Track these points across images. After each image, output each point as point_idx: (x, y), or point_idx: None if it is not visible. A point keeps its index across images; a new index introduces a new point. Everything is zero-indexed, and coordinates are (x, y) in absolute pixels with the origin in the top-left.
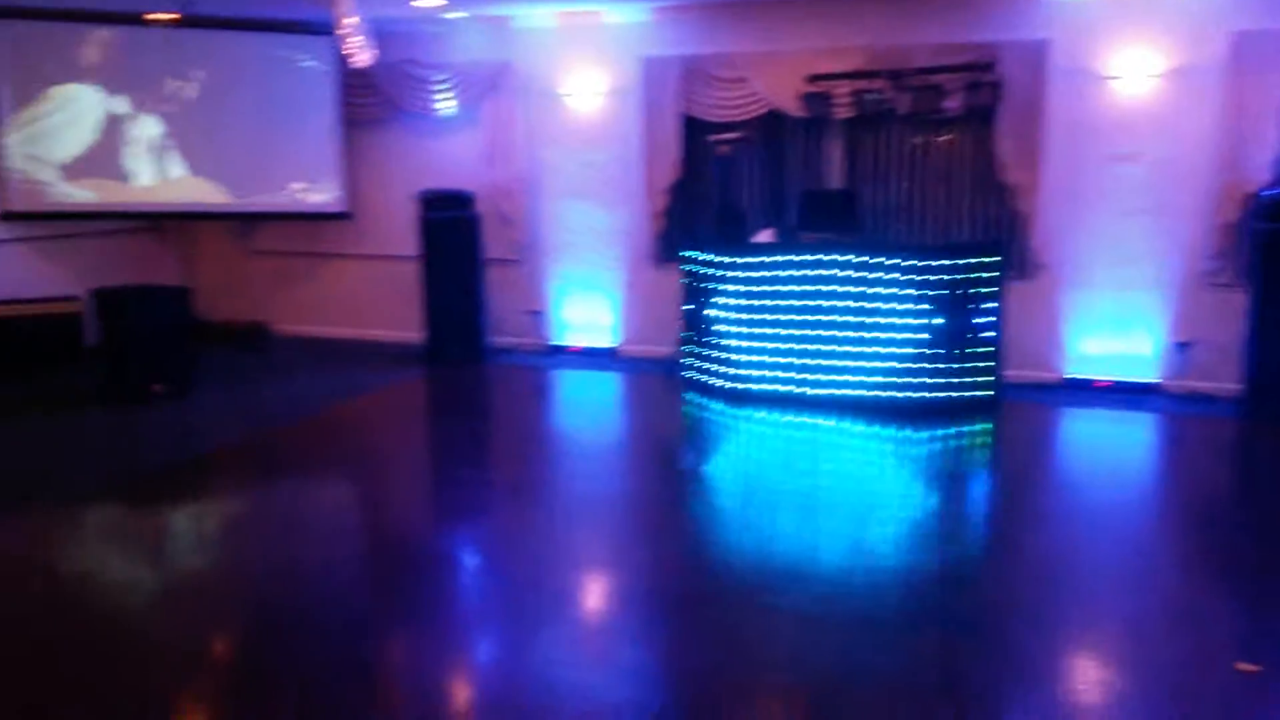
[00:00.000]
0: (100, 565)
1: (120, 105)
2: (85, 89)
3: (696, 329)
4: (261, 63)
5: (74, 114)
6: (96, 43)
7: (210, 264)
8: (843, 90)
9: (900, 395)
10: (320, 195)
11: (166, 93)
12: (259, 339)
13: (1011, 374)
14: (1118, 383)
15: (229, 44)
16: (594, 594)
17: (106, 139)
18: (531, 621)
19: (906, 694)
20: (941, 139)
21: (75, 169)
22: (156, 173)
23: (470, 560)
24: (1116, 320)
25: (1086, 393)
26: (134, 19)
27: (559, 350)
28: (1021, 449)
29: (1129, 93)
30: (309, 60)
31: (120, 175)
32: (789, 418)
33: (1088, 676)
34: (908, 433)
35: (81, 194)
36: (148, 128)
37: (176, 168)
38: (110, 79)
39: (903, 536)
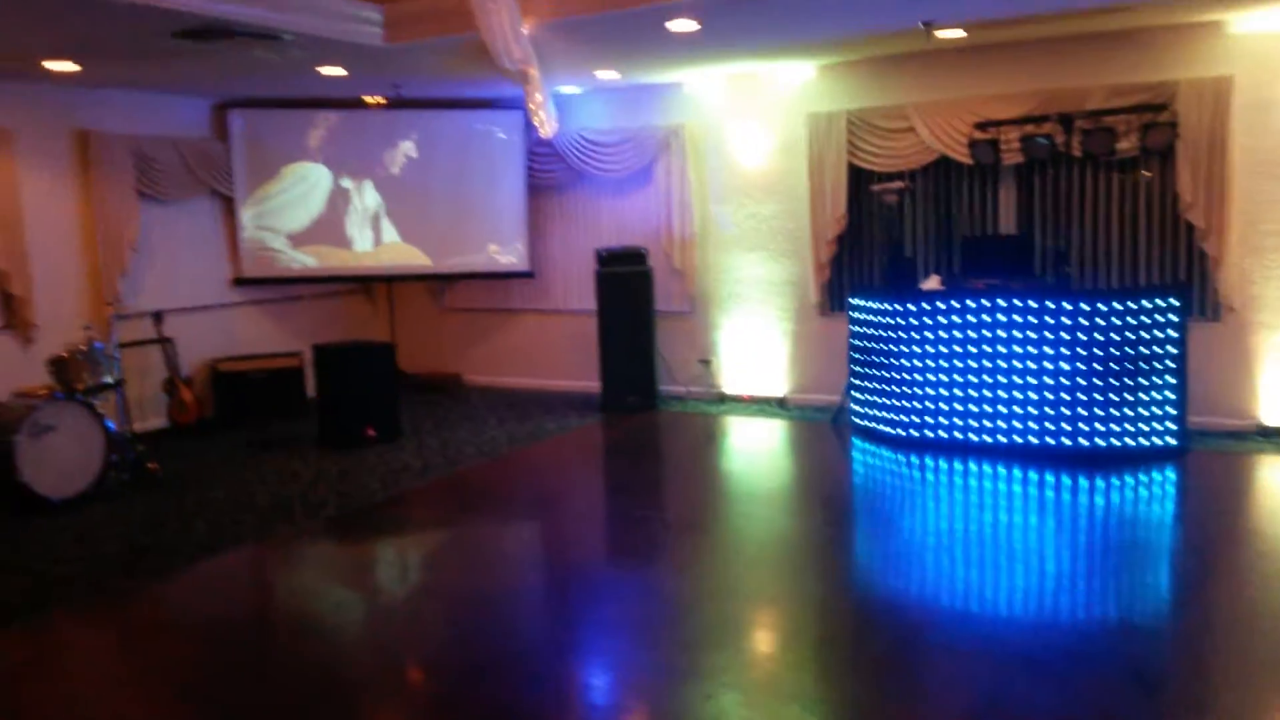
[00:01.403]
0: (319, 586)
1: (343, 180)
2: (313, 166)
3: (864, 377)
4: (459, 137)
5: (303, 190)
6: (321, 125)
7: (409, 321)
8: (1012, 135)
9: (1076, 442)
10: (507, 256)
11: (380, 167)
12: (453, 389)
13: (1200, 420)
14: None
15: (431, 121)
16: (758, 625)
17: (330, 210)
18: (697, 648)
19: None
20: (1138, 176)
21: (301, 238)
22: (372, 239)
23: (643, 590)
24: None
25: None
26: (354, 103)
27: (728, 398)
28: (1207, 497)
29: None
30: (500, 133)
31: (341, 243)
32: (959, 464)
33: None
34: (1083, 480)
35: (305, 260)
36: (365, 199)
37: (388, 234)
38: (332, 157)
39: (1072, 584)
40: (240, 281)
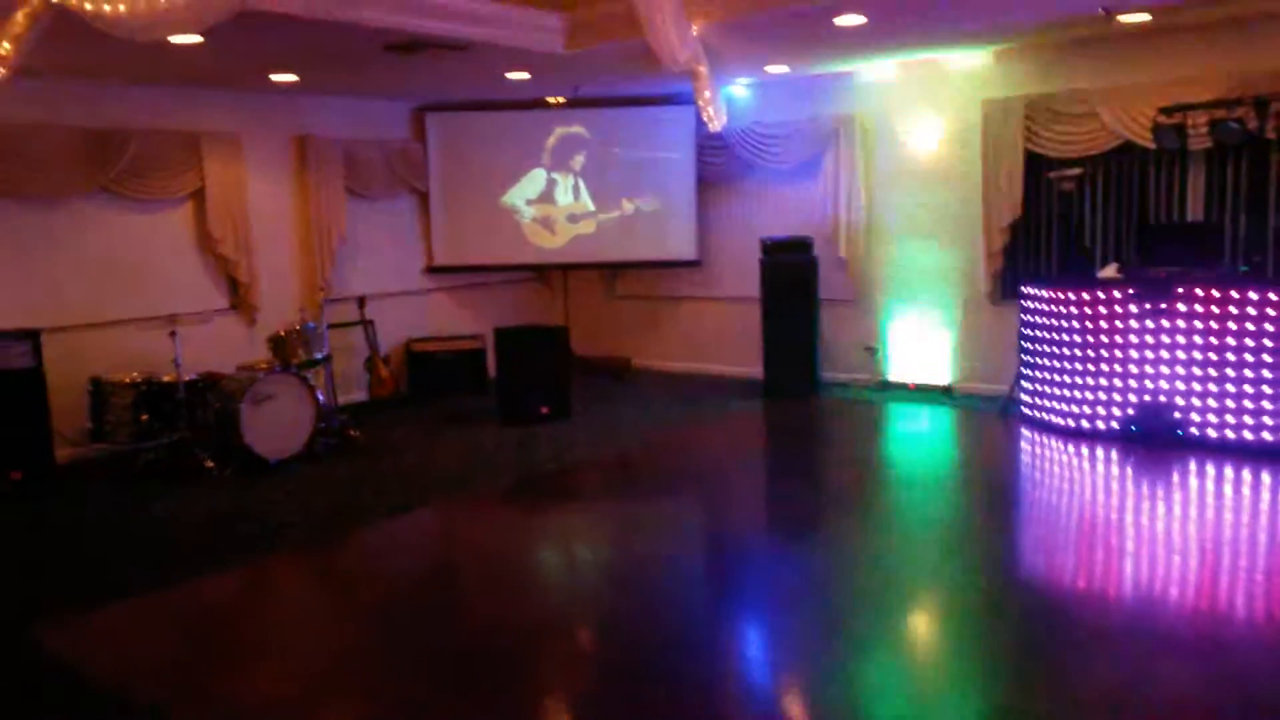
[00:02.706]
0: (498, 544)
1: (533, 174)
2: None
3: (1035, 366)
4: (634, 132)
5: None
6: (509, 125)
7: (582, 307)
8: (1200, 120)
9: (1260, 436)
10: (677, 245)
11: (561, 163)
12: (622, 373)
13: None
14: None
15: (608, 118)
16: (907, 599)
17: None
18: (849, 619)
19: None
20: None
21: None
22: (562, 230)
23: (799, 563)
24: None
25: None
26: (536, 104)
27: (892, 386)
28: None
29: None
30: (673, 127)
31: (540, 233)
32: (1132, 456)
33: None
34: (1266, 475)
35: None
36: (554, 193)
37: (572, 225)
38: (520, 155)
39: (1234, 580)
40: (433, 269)
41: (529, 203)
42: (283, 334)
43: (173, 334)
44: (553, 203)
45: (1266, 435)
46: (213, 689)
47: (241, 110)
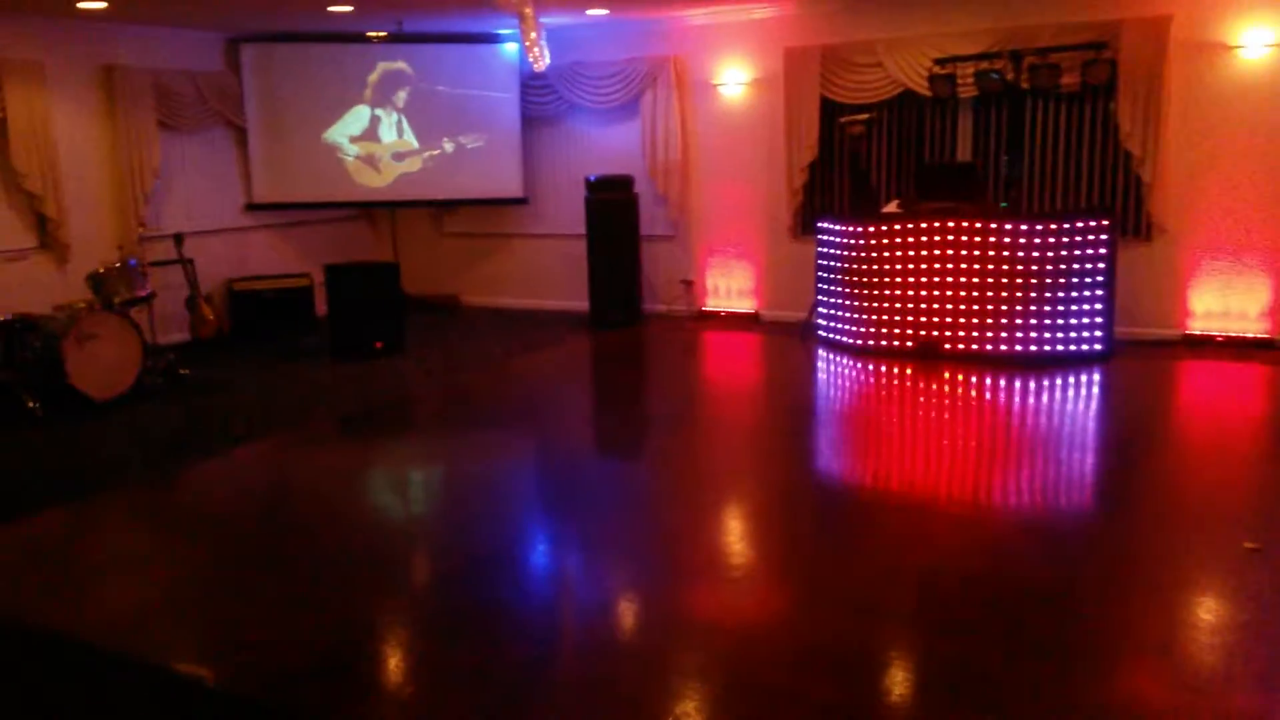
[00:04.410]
0: (335, 477)
1: (357, 109)
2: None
3: (828, 294)
4: (458, 70)
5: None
6: (328, 58)
7: (410, 245)
8: (967, 70)
9: (1014, 348)
10: (504, 182)
11: (383, 99)
12: (451, 309)
13: (1131, 330)
14: (1233, 338)
15: (431, 55)
16: (727, 484)
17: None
18: (679, 503)
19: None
20: (1110, 108)
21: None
22: (387, 168)
23: (624, 474)
24: (1233, 279)
25: (1201, 347)
26: (357, 37)
27: (707, 315)
28: (1124, 395)
29: (1249, 62)
30: (497, 66)
31: (365, 171)
32: (910, 370)
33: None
34: (1018, 381)
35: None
36: (377, 129)
37: (393, 162)
38: (341, 90)
39: (1002, 467)
40: (252, 207)
41: (353, 140)
42: (102, 271)
43: None
44: (377, 140)
45: (1019, 347)
46: (35, 620)
47: (44, 37)
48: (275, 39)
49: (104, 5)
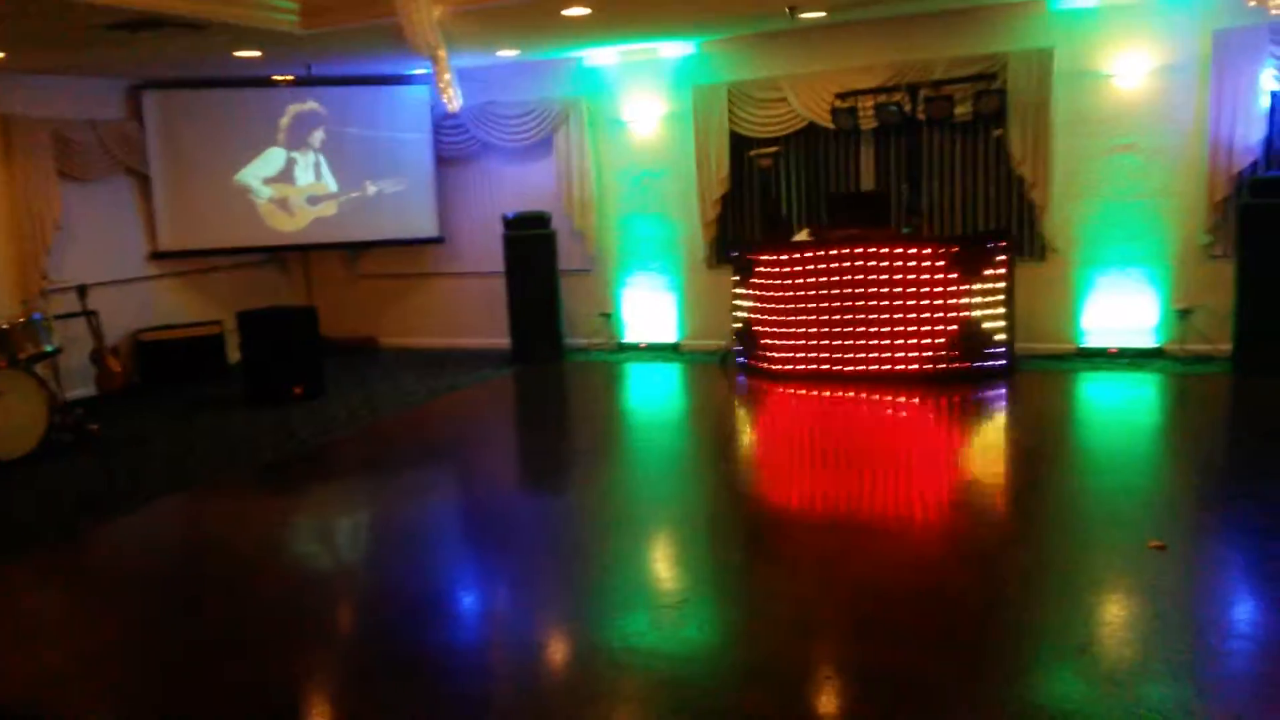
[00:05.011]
0: (257, 528)
1: (268, 154)
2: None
3: (745, 321)
4: (369, 112)
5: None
6: (235, 104)
7: (325, 288)
8: (867, 103)
9: (923, 367)
10: (418, 223)
11: (294, 143)
12: (370, 351)
13: (1029, 346)
14: (1125, 350)
15: (341, 98)
16: (655, 512)
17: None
18: (610, 535)
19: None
20: (998, 134)
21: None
22: (301, 213)
23: (558, 506)
24: (1122, 294)
25: (1095, 359)
26: (264, 82)
27: (627, 347)
28: (1027, 407)
29: (1125, 89)
30: (409, 106)
31: (277, 215)
32: (826, 392)
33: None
34: (928, 398)
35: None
36: (290, 173)
37: (305, 205)
38: (249, 135)
39: (914, 478)
40: (158, 255)
41: (266, 181)
42: (6, 327)
43: None
44: (291, 182)
45: (927, 366)
46: None
47: None
48: (178, 85)
49: (0, 56)
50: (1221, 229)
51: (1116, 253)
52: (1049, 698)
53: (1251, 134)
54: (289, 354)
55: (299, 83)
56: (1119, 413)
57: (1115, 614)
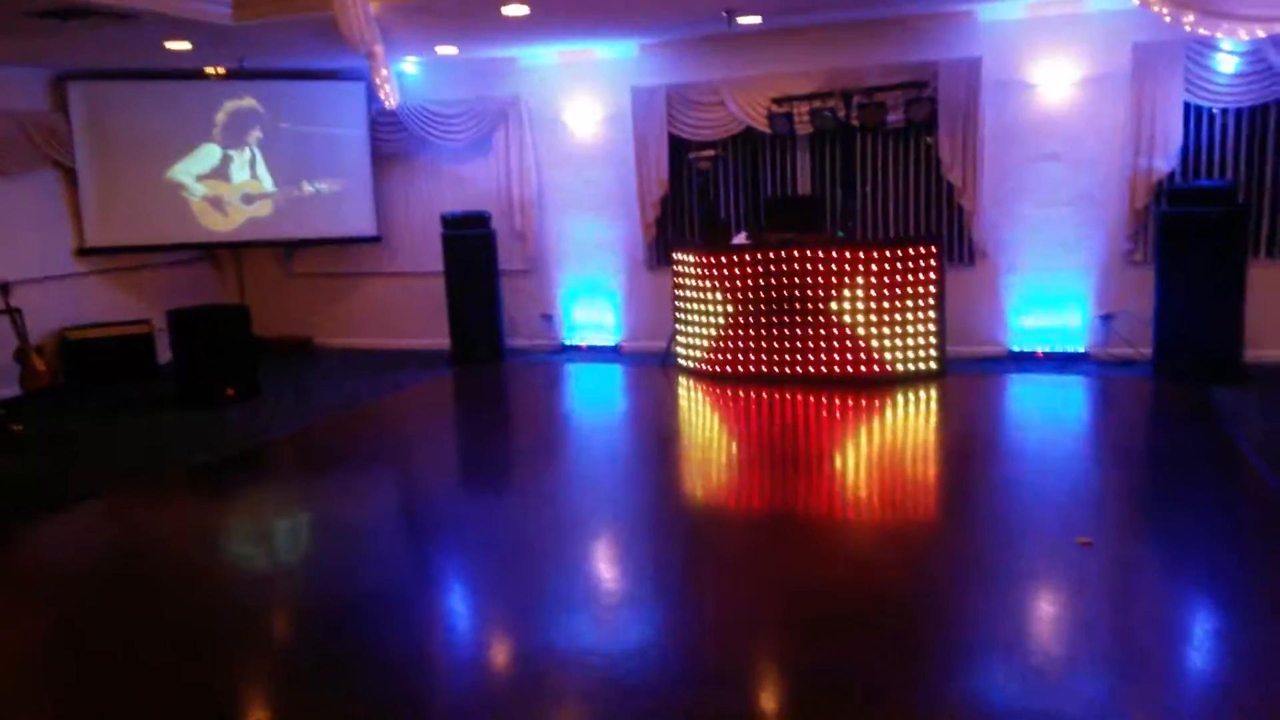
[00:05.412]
0: (188, 533)
1: (200, 149)
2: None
3: (686, 322)
4: (304, 107)
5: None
6: (163, 96)
7: (258, 287)
8: (803, 109)
9: (856, 369)
10: (355, 221)
11: (226, 137)
12: (305, 351)
13: (960, 349)
14: (1052, 353)
15: (276, 92)
16: (596, 513)
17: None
18: (552, 535)
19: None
20: (929, 142)
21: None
22: (234, 211)
23: (499, 507)
24: (1049, 298)
25: (1024, 362)
26: (195, 74)
27: (568, 349)
28: (962, 411)
29: (1051, 99)
30: (345, 102)
31: (210, 213)
32: (764, 393)
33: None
34: (863, 400)
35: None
36: (225, 168)
37: (238, 202)
38: (180, 128)
39: (844, 480)
40: (85, 251)
41: (200, 178)
42: None
43: None
44: (227, 179)
45: (862, 368)
46: None
47: None
48: (107, 76)
49: None
50: (1142, 236)
51: (1043, 258)
52: (982, 690)
53: (1170, 144)
54: (221, 354)
55: (232, 76)
56: (1046, 414)
57: (1045, 609)
